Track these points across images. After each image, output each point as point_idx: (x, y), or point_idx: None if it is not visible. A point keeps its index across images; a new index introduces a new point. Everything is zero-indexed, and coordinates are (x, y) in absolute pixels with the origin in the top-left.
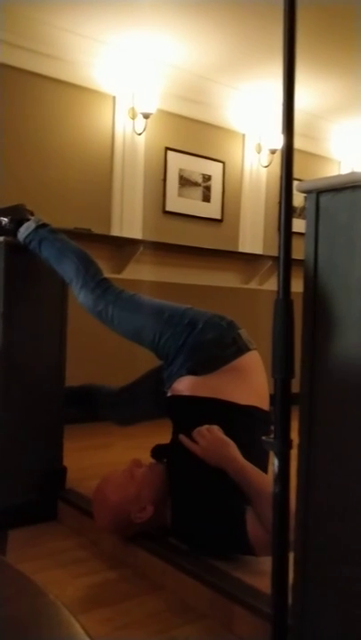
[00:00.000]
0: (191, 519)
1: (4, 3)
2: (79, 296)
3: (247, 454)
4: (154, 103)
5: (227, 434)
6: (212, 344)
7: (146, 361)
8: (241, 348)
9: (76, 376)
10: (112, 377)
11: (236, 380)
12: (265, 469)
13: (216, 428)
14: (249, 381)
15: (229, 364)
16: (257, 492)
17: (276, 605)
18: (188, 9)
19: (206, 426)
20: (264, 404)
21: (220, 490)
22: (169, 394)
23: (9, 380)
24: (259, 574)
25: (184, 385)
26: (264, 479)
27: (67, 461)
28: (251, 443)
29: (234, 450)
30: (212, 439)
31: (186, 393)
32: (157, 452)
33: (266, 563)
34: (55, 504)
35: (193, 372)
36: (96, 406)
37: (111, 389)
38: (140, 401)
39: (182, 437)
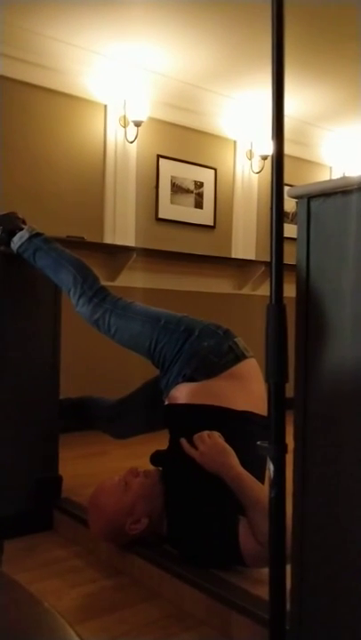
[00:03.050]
0: (185, 527)
1: None
2: (77, 305)
3: (245, 460)
4: (145, 111)
5: (224, 440)
6: (209, 351)
7: (141, 370)
8: (238, 356)
9: (70, 385)
10: (106, 386)
11: (233, 387)
12: (263, 476)
13: (217, 435)
14: (246, 388)
15: (227, 372)
16: (252, 501)
17: (274, 611)
18: (178, 18)
19: (207, 432)
20: (262, 410)
21: (215, 498)
22: (166, 402)
23: (3, 388)
24: (256, 581)
25: (181, 392)
26: (260, 489)
27: (62, 470)
28: (248, 449)
29: (233, 458)
30: (211, 445)
31: (183, 400)
32: (157, 458)
33: (263, 570)
34: (51, 513)
35: (190, 378)
36: (92, 419)
37: (108, 402)
38: (136, 415)
39: (183, 441)
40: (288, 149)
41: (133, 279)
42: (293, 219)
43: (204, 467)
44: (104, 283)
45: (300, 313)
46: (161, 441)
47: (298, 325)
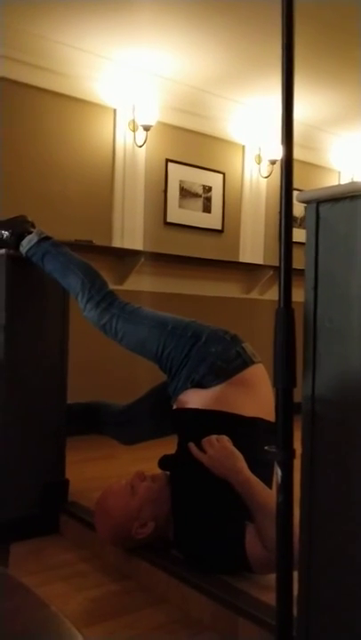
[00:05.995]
0: (192, 532)
1: (5, 19)
2: (84, 310)
3: (253, 465)
4: (154, 115)
5: (233, 445)
6: (217, 357)
7: (149, 375)
8: (246, 362)
9: (78, 389)
10: (114, 390)
11: (241, 393)
12: (271, 481)
13: (226, 439)
14: (254, 394)
15: (234, 377)
16: (259, 506)
17: (281, 617)
18: (186, 23)
19: (216, 435)
20: (270, 415)
21: (222, 503)
22: (174, 407)
23: (10, 392)
24: (263, 587)
25: (190, 397)
26: (268, 494)
27: (69, 474)
28: (256, 454)
29: (241, 462)
30: (220, 448)
31: (191, 405)
32: (165, 462)
33: (270, 575)
34: (57, 517)
35: (198, 384)
36: (101, 425)
37: (116, 408)
38: (143, 421)
39: (191, 445)
40: (297, 154)
41: (141, 283)
42: (302, 223)
43: (213, 471)
44: (112, 286)
45: (309, 317)
46: (169, 445)
47: (306, 330)
